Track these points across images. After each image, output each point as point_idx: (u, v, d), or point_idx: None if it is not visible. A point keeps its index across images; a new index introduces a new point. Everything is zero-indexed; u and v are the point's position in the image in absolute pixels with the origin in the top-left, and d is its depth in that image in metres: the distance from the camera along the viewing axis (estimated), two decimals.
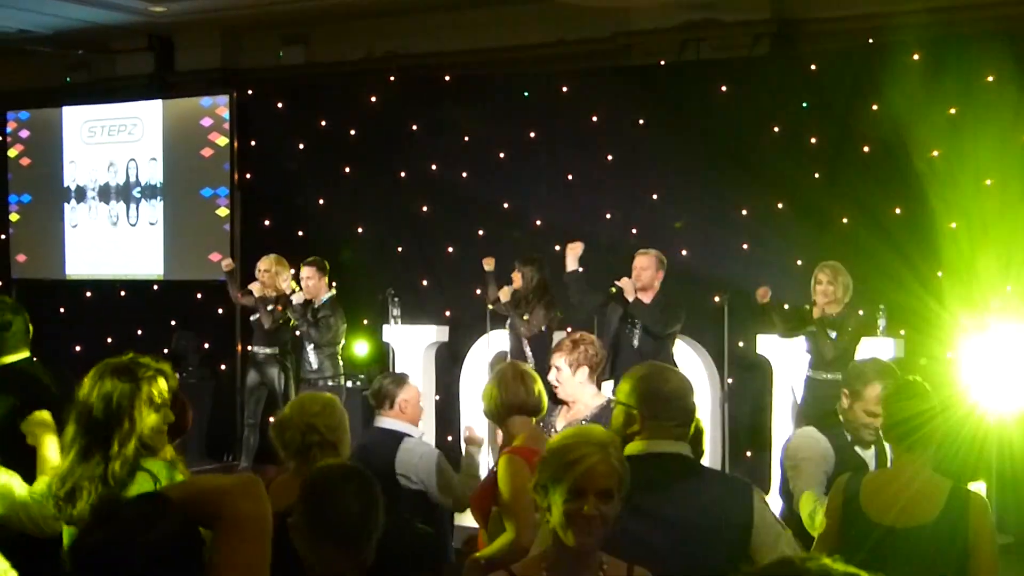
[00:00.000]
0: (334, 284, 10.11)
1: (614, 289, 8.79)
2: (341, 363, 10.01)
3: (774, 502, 8.20)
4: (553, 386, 5.65)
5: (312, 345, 9.83)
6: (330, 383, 9.76)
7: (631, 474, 3.23)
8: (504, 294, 9.45)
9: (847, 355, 8.06)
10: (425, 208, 11.48)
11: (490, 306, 9.72)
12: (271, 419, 4.57)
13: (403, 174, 11.58)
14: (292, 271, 10.22)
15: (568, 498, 2.99)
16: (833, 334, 8.21)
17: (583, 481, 2.99)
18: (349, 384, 10.12)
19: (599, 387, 5.95)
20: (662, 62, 10.74)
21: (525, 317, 9.28)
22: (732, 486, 3.67)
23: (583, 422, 5.60)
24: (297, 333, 10.10)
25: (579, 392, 5.69)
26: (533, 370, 5.18)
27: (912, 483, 4.06)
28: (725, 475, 4.19)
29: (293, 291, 9.93)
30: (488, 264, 9.75)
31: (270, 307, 10.14)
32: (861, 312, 8.51)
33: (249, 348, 10.64)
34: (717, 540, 3.39)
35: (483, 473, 6.08)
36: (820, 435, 4.87)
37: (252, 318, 10.56)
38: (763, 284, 9.53)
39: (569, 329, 10.22)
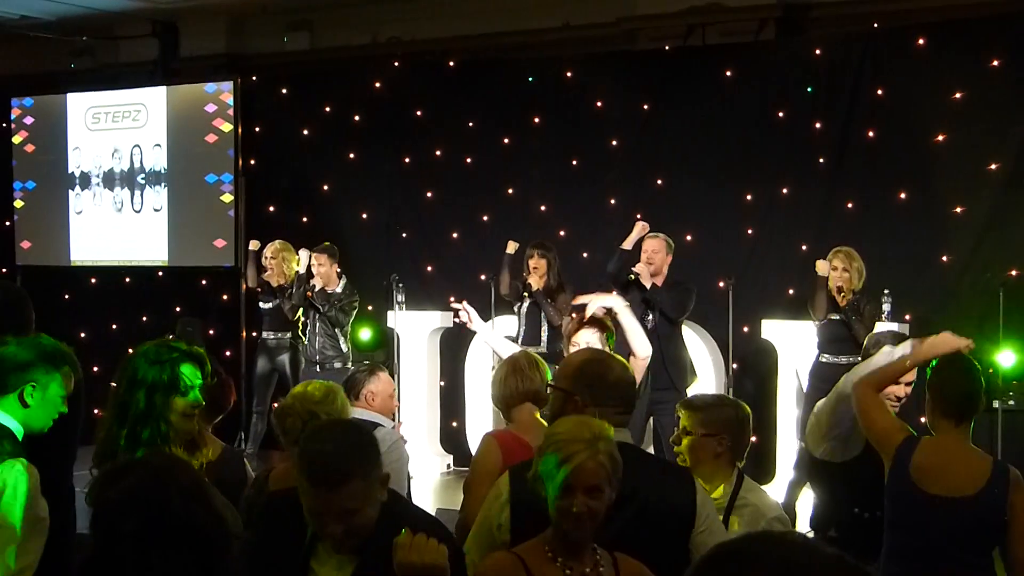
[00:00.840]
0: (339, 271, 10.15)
1: (632, 276, 8.81)
2: (349, 348, 10.06)
3: (778, 490, 8.24)
4: None
5: (326, 330, 9.88)
6: (336, 364, 9.84)
7: None
8: (535, 280, 9.41)
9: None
10: (430, 194, 11.48)
11: (503, 292, 9.70)
12: (274, 405, 4.60)
13: (407, 160, 11.57)
14: (298, 256, 10.26)
15: (558, 495, 3.09)
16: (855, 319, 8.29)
17: (572, 479, 3.08)
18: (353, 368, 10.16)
19: None
20: (667, 47, 10.72)
21: (553, 304, 9.33)
22: (677, 475, 3.69)
23: None
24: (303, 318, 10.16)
25: None
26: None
27: (959, 456, 4.24)
28: (668, 463, 4.13)
29: (309, 276, 9.98)
30: (511, 247, 9.71)
31: (290, 292, 10.20)
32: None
33: (258, 334, 10.65)
34: (659, 529, 3.41)
35: None
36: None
37: (262, 304, 10.58)
38: (768, 270, 9.57)
39: (574, 315, 10.24)
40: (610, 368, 3.70)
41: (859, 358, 8.01)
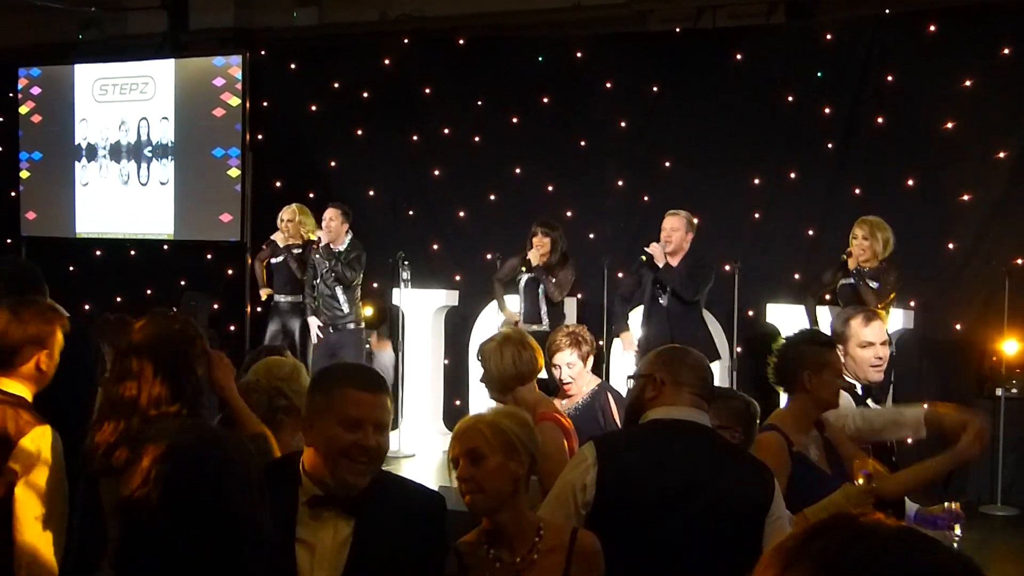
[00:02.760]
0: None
1: (644, 257, 8.82)
2: (357, 307, 10.08)
3: None
4: (565, 383, 5.72)
5: (341, 288, 9.89)
6: (351, 326, 9.95)
7: (642, 442, 3.30)
8: (535, 256, 9.41)
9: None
10: (437, 172, 11.48)
11: (497, 282, 9.71)
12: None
13: (415, 137, 11.57)
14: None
15: (451, 467, 3.20)
16: (874, 284, 8.17)
17: (452, 449, 3.20)
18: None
19: None
20: (677, 29, 10.71)
21: (554, 280, 9.33)
22: (754, 465, 3.57)
23: (578, 407, 5.69)
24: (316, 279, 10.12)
25: (584, 382, 5.78)
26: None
27: None
28: (745, 452, 3.86)
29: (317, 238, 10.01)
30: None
31: (297, 251, 10.23)
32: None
33: (272, 297, 10.63)
34: (734, 519, 3.33)
35: None
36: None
37: (272, 261, 10.56)
38: (774, 254, 9.57)
39: (579, 296, 10.28)
40: (688, 352, 3.70)
41: None
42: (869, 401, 4.93)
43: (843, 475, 4.41)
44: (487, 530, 3.17)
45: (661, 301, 8.80)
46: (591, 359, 5.83)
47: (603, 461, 3.37)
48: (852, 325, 4.77)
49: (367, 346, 10.42)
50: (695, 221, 8.95)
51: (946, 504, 4.77)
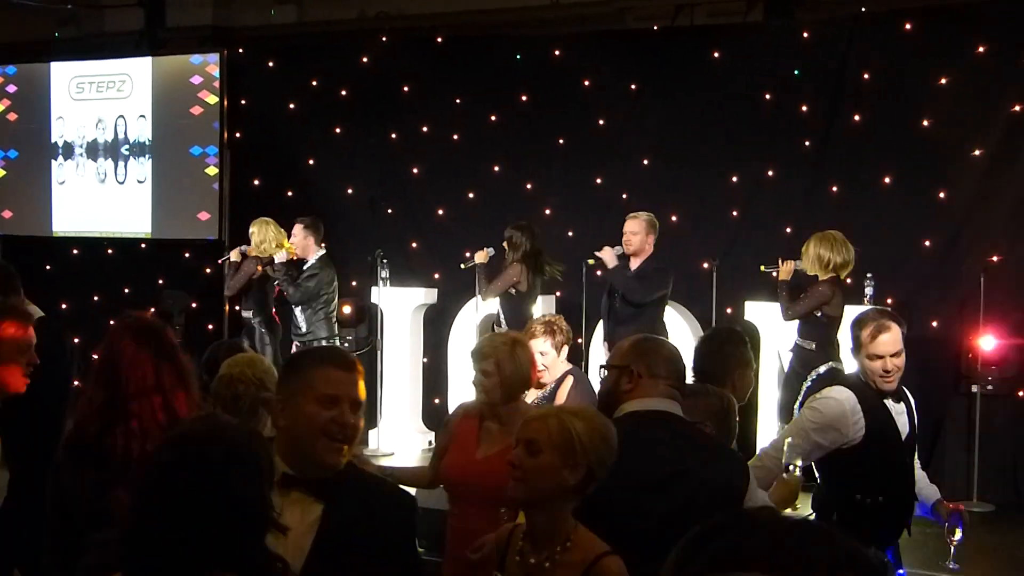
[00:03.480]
0: (323, 244, 10.10)
1: (591, 261, 8.85)
2: (335, 324, 10.00)
3: None
4: (539, 371, 5.66)
5: (300, 307, 9.82)
6: (307, 343, 9.76)
7: (622, 435, 3.31)
8: (481, 256, 9.44)
9: (813, 323, 8.12)
10: (415, 170, 11.47)
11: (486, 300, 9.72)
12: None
13: (394, 135, 11.55)
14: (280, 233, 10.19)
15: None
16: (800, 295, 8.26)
17: (519, 431, 3.22)
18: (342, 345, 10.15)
19: None
20: (655, 27, 10.73)
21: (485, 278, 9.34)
22: (728, 454, 3.66)
23: (544, 396, 5.71)
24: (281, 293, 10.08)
25: (557, 371, 5.79)
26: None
27: None
28: (720, 442, 3.92)
29: (281, 250, 9.90)
30: (481, 256, 9.56)
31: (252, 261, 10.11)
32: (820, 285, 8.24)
33: (240, 312, 10.54)
34: (712, 508, 3.26)
35: None
36: (848, 395, 4.66)
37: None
38: (752, 251, 9.58)
39: (558, 293, 10.28)
40: (662, 344, 3.76)
41: (811, 344, 8.13)
42: None
43: None
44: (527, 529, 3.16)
45: (615, 306, 8.85)
46: (565, 349, 5.83)
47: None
48: (861, 336, 4.71)
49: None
50: (656, 223, 8.93)
51: (952, 505, 4.87)
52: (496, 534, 3.24)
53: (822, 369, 7.92)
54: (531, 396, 5.70)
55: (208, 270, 12.23)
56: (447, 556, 4.56)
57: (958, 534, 4.77)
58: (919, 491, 4.92)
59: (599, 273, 9.10)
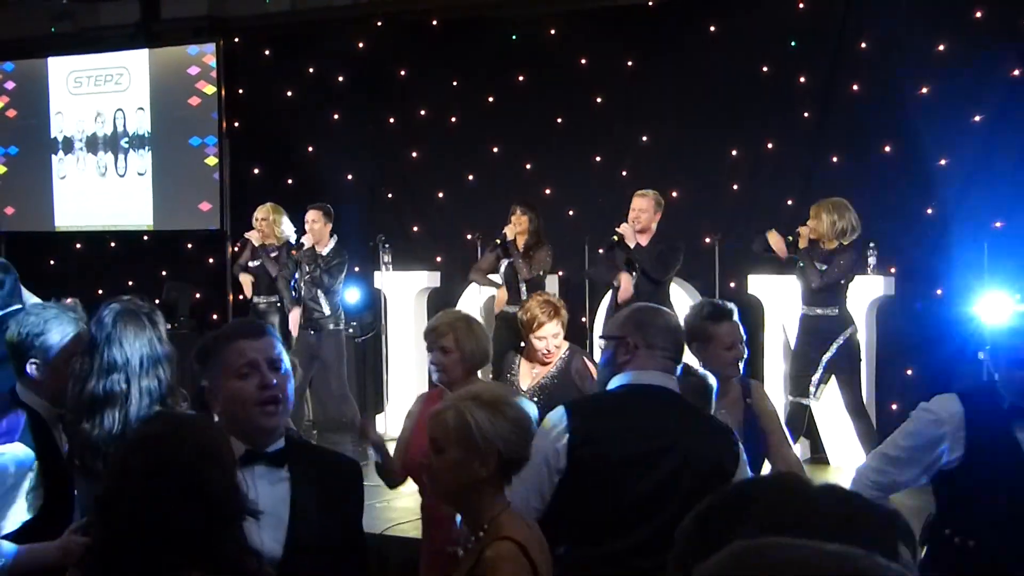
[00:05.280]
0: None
1: (616, 237, 8.80)
2: (337, 309, 10.00)
3: None
4: (545, 354, 5.64)
5: (322, 291, 9.80)
6: (330, 326, 9.77)
7: (613, 408, 3.28)
8: (511, 232, 9.36)
9: (838, 290, 8.13)
10: (414, 154, 11.45)
11: (472, 278, 9.68)
12: None
13: (392, 120, 11.53)
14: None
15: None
16: (823, 267, 8.21)
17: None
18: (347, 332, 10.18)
19: None
20: (650, 2, 10.67)
21: (523, 260, 9.30)
22: (720, 429, 3.64)
23: (553, 375, 5.66)
24: (295, 278, 10.03)
25: (561, 350, 5.74)
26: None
27: None
28: (711, 417, 3.84)
29: (298, 237, 9.91)
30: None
31: (274, 254, 10.13)
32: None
33: (247, 298, 10.53)
34: (702, 482, 3.27)
35: None
36: (956, 408, 3.80)
37: (250, 264, 10.39)
38: (754, 225, 9.55)
39: (561, 273, 10.27)
40: (659, 313, 3.70)
41: (834, 309, 8.14)
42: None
43: (758, 445, 4.47)
44: None
45: (635, 280, 8.82)
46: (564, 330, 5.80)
47: (574, 428, 3.38)
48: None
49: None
50: (662, 201, 8.91)
51: None
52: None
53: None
54: (534, 377, 5.67)
55: (211, 260, 12.24)
56: (423, 545, 4.52)
57: None
58: None
59: (600, 251, 9.08)
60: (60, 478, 3.79)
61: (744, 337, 4.71)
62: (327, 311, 9.83)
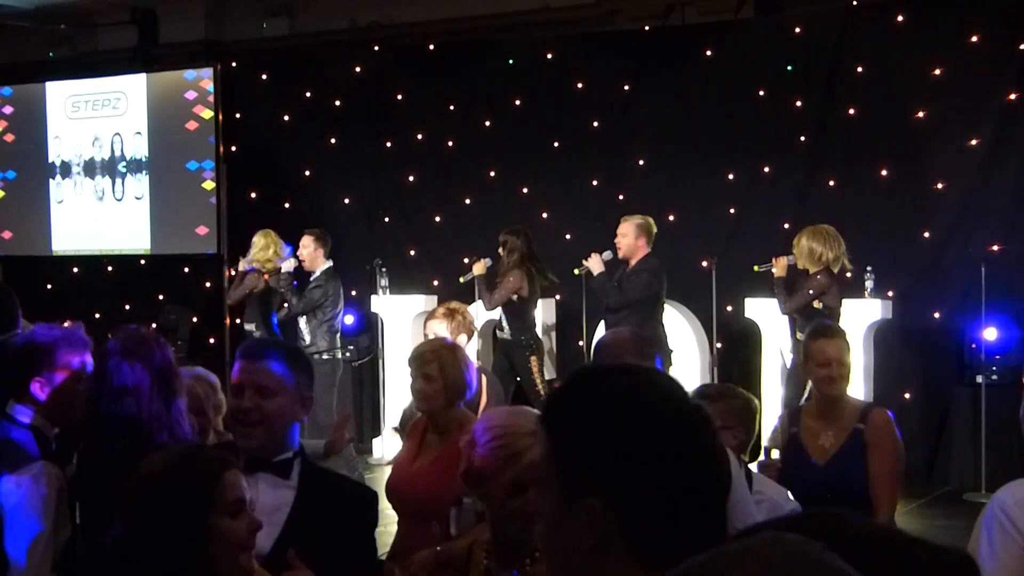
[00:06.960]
0: (330, 257, 9.98)
1: (576, 271, 8.93)
2: (337, 337, 9.84)
3: None
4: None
5: (304, 317, 9.71)
6: (324, 356, 9.50)
7: None
8: (479, 268, 9.45)
9: (815, 314, 8.07)
10: (411, 177, 11.46)
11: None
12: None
13: (389, 144, 11.55)
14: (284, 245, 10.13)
15: (510, 493, 2.70)
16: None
17: (526, 475, 2.63)
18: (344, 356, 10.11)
19: None
20: (647, 27, 10.70)
21: (487, 293, 9.31)
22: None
23: None
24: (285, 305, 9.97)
25: None
26: None
27: None
28: None
29: (282, 262, 9.85)
30: (478, 268, 9.61)
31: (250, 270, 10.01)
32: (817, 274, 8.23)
33: (242, 324, 10.45)
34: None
35: None
36: None
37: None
38: (750, 248, 9.56)
39: (558, 296, 10.27)
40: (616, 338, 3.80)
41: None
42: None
43: (853, 471, 4.55)
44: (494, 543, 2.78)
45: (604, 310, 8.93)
46: (463, 338, 5.71)
47: None
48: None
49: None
50: (649, 226, 8.87)
51: None
52: (450, 551, 2.84)
53: None
54: None
55: (208, 284, 12.23)
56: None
57: None
58: None
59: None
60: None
61: (844, 358, 4.65)
62: (308, 338, 9.66)
